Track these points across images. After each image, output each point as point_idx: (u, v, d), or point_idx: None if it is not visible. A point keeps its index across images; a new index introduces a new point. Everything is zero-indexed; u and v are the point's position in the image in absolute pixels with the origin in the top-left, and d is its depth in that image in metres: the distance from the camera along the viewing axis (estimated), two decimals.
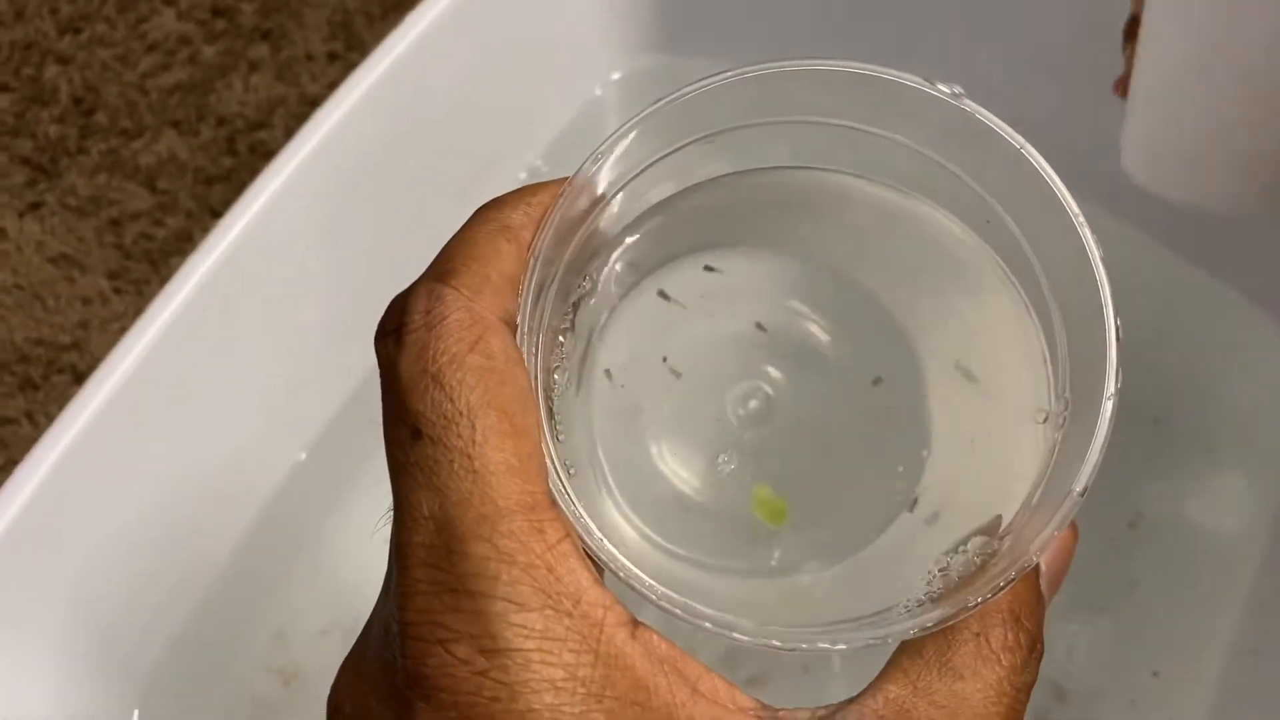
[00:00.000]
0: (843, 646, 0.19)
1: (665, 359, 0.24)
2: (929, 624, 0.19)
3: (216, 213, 0.54)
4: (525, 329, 0.21)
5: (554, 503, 0.19)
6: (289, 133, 0.52)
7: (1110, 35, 0.39)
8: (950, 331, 0.24)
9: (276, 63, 0.58)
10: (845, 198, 0.24)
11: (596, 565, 0.20)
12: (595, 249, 0.23)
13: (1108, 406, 0.20)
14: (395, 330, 0.20)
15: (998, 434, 0.23)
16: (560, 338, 0.23)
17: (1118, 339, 0.21)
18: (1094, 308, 0.21)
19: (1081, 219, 0.21)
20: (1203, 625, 0.40)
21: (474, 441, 0.18)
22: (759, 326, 0.25)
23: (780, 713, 0.19)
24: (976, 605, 0.20)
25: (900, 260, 0.24)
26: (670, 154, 0.23)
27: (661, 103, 0.22)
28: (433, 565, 0.18)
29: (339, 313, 0.41)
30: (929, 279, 0.24)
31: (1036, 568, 0.20)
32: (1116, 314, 0.21)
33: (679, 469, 0.24)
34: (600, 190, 0.22)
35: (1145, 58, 0.34)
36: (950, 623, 0.19)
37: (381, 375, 0.20)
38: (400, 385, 0.19)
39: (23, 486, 0.35)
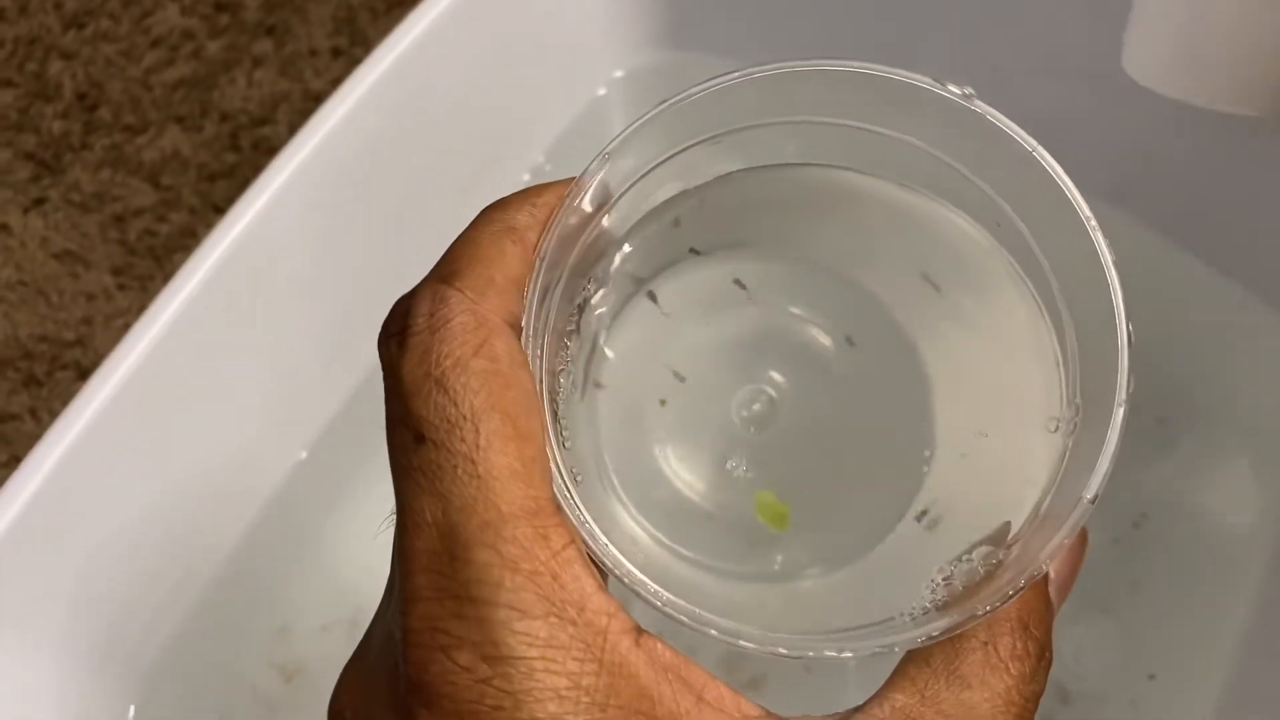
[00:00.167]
0: (849, 655, 0.19)
1: (669, 363, 0.24)
2: (936, 632, 0.19)
3: (220, 209, 0.54)
4: (530, 332, 0.21)
5: (558, 508, 0.19)
6: (292, 129, 0.52)
7: (1114, 30, 0.38)
8: (959, 335, 0.24)
9: (280, 58, 0.57)
10: (854, 196, 0.24)
11: (601, 571, 0.20)
12: (601, 250, 0.23)
13: (1119, 414, 0.20)
14: (399, 333, 0.19)
15: (1007, 439, 0.23)
16: (565, 340, 0.23)
17: (1130, 344, 0.20)
18: (1105, 312, 0.21)
19: (1094, 222, 0.21)
20: (1207, 626, 0.40)
21: (478, 446, 0.18)
22: (764, 330, 0.24)
23: None
24: (985, 614, 0.19)
25: (909, 261, 0.24)
26: (677, 154, 0.23)
27: (668, 103, 0.22)
28: (435, 571, 0.18)
29: (341, 310, 0.41)
30: (938, 280, 0.24)
31: (1045, 575, 0.20)
32: (1129, 319, 0.21)
33: (683, 472, 0.23)
34: (606, 191, 0.22)
35: None
36: (958, 631, 0.19)
37: (385, 378, 0.20)
38: (403, 389, 0.19)
39: (26, 484, 0.35)
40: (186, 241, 0.54)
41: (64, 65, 0.58)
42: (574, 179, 0.22)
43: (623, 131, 0.22)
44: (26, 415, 0.51)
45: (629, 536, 0.23)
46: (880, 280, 0.24)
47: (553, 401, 0.22)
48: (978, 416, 0.23)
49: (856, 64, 0.22)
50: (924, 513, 0.23)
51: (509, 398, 0.19)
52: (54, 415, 0.35)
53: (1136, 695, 0.39)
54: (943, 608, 0.20)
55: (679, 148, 0.23)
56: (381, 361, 0.20)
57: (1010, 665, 0.20)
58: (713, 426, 0.24)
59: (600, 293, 0.23)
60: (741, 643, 0.19)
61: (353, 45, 0.57)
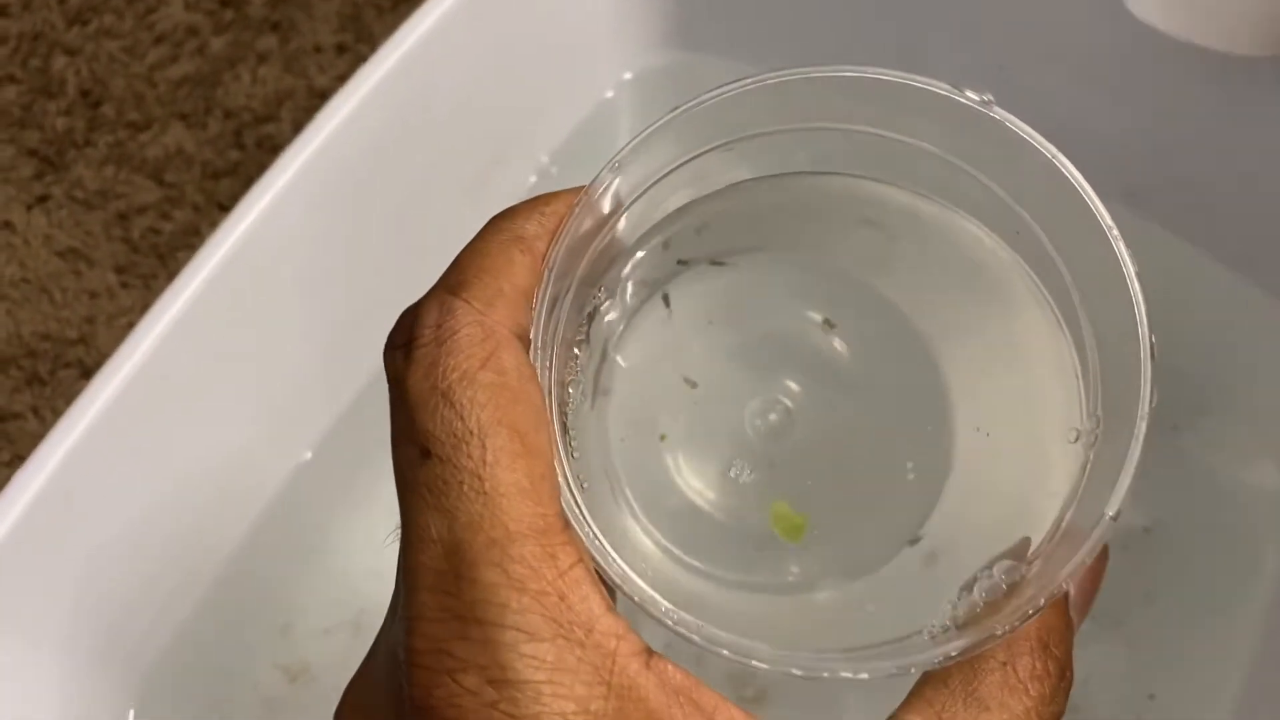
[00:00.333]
0: (865, 676, 0.19)
1: (681, 372, 0.23)
2: (953, 653, 0.19)
3: (224, 207, 0.54)
4: (539, 343, 0.20)
5: (567, 525, 0.19)
6: (297, 126, 0.51)
7: (1128, 31, 0.38)
8: (978, 344, 0.23)
9: (285, 54, 0.57)
10: (870, 203, 0.24)
11: (610, 589, 0.19)
12: (611, 259, 0.23)
13: (1141, 427, 0.20)
14: (405, 344, 0.19)
15: (1027, 452, 0.22)
16: (575, 350, 0.22)
17: (1153, 356, 0.20)
18: (1127, 323, 0.20)
19: (1116, 232, 0.20)
20: (1219, 638, 0.40)
21: (484, 462, 0.18)
22: (779, 338, 0.24)
23: None
24: (1004, 634, 0.19)
25: (927, 269, 0.24)
26: (689, 161, 0.23)
27: (679, 110, 0.21)
28: (441, 591, 0.18)
29: (346, 310, 0.41)
30: (956, 289, 0.24)
31: (1066, 593, 0.20)
32: (1151, 330, 0.20)
33: (696, 482, 0.23)
34: (617, 199, 0.22)
35: None
36: (976, 652, 0.19)
37: (390, 391, 0.19)
38: (409, 402, 0.18)
39: (28, 484, 0.34)
40: (190, 240, 0.54)
41: (67, 61, 0.58)
42: (583, 187, 0.22)
43: (633, 139, 0.22)
44: (29, 414, 0.51)
45: (639, 549, 0.23)
46: (898, 289, 0.24)
47: (562, 412, 0.22)
48: (997, 428, 0.23)
49: (871, 70, 0.21)
50: (942, 526, 0.22)
51: (517, 412, 0.19)
52: (57, 414, 0.35)
53: (1143, 710, 0.39)
54: (962, 626, 0.20)
55: (690, 155, 0.22)
56: (387, 374, 0.19)
57: (1030, 686, 0.19)
58: (726, 435, 0.23)
59: (611, 301, 0.23)
60: (754, 662, 0.19)
61: (358, 42, 0.57)
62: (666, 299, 0.24)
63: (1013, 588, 0.20)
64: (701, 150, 0.23)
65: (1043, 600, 0.19)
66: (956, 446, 0.23)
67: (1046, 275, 0.22)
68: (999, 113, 0.21)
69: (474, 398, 0.18)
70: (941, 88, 0.21)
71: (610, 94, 0.45)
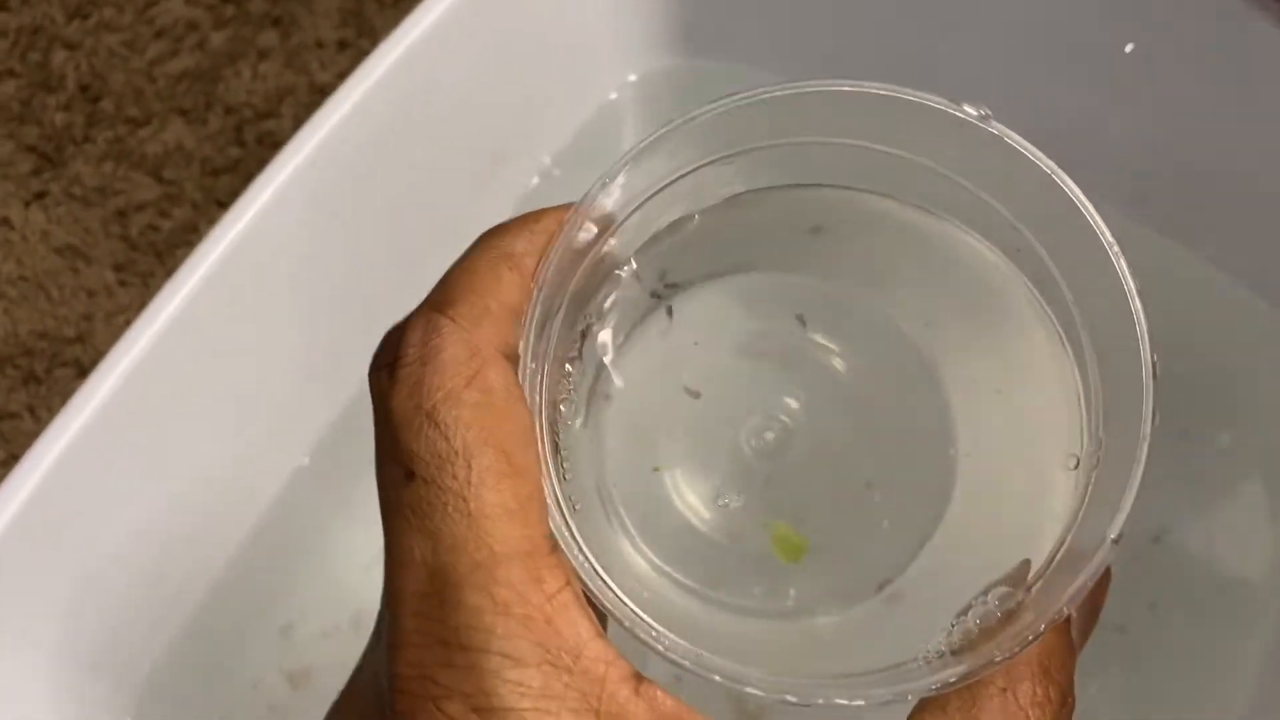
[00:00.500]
0: (860, 703, 0.19)
1: (678, 390, 0.23)
2: (952, 679, 0.19)
3: (223, 204, 0.54)
4: (528, 360, 0.20)
5: (555, 547, 0.18)
6: (298, 123, 0.51)
7: (1124, 37, 0.37)
8: (980, 363, 0.23)
9: (286, 50, 0.57)
10: (869, 219, 0.23)
11: (599, 614, 0.19)
12: (604, 275, 0.22)
13: (1144, 449, 0.19)
14: (389, 364, 0.19)
15: (1027, 473, 0.22)
16: (567, 367, 0.22)
17: (1155, 376, 0.20)
18: (1129, 341, 0.20)
19: (1116, 248, 0.20)
20: (1226, 649, 0.39)
21: (469, 483, 0.18)
22: (776, 356, 0.24)
23: None
24: (1003, 660, 0.19)
25: (927, 287, 0.23)
26: (684, 176, 0.22)
27: (674, 124, 0.21)
28: (424, 615, 0.17)
29: (344, 313, 0.41)
30: (958, 306, 0.23)
31: (1068, 619, 0.19)
32: (1154, 350, 0.20)
33: (693, 502, 0.23)
34: (609, 216, 0.22)
35: None
36: (975, 678, 0.19)
37: (375, 411, 0.19)
38: (393, 422, 0.18)
39: (22, 484, 0.34)
40: (189, 237, 0.53)
41: (67, 56, 0.57)
42: (573, 204, 0.21)
43: (626, 154, 0.21)
44: (25, 413, 0.50)
45: (633, 571, 0.22)
46: (898, 306, 0.23)
47: (553, 432, 0.21)
48: (998, 449, 0.23)
49: (869, 84, 0.21)
50: (942, 549, 0.22)
51: (503, 431, 0.18)
52: (53, 413, 0.35)
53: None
54: (959, 651, 0.20)
55: (685, 170, 0.22)
56: (371, 393, 0.19)
57: (1030, 713, 0.19)
58: (724, 455, 0.23)
59: (604, 318, 0.23)
60: (748, 689, 0.19)
61: (359, 37, 0.57)
62: (670, 310, 0.23)
63: (1009, 614, 0.20)
64: (696, 165, 0.22)
65: (1043, 625, 0.19)
66: (957, 468, 0.22)
67: (1048, 293, 0.22)
68: (997, 127, 0.21)
69: (459, 417, 0.18)
70: (939, 102, 0.21)
71: (614, 95, 0.45)
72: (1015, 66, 0.41)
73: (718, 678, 0.19)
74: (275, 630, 0.41)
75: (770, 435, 0.23)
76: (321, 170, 0.37)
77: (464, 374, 0.18)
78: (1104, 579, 0.20)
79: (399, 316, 0.20)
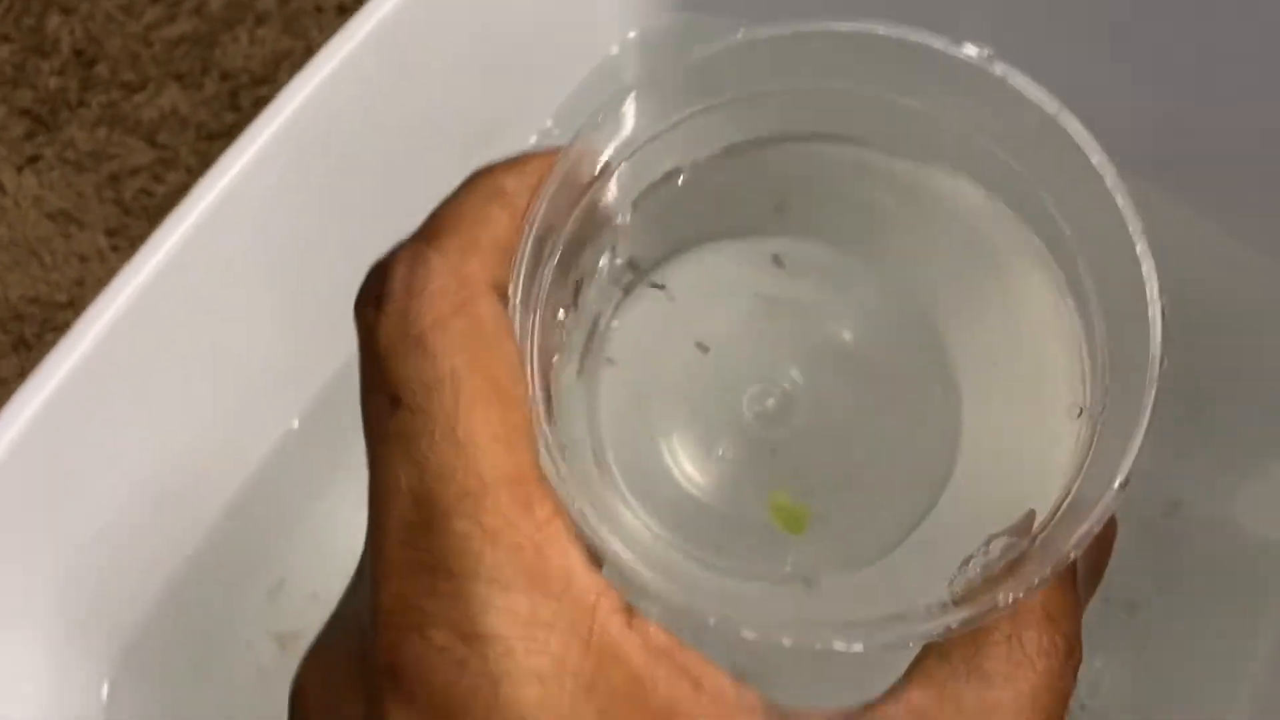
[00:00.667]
0: (859, 648, 0.18)
1: (674, 351, 0.23)
2: (955, 624, 0.18)
3: None
4: (518, 301, 0.19)
5: (544, 479, 0.18)
6: None
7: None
8: (983, 317, 0.23)
9: (284, 15, 0.56)
10: (866, 172, 0.23)
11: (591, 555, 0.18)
12: (599, 225, 0.22)
13: (1151, 392, 0.19)
14: (376, 296, 0.18)
15: (1032, 425, 0.22)
16: (562, 315, 0.22)
17: (1163, 318, 0.19)
18: (1135, 286, 0.19)
19: (1121, 187, 0.20)
20: (1238, 626, 0.38)
21: (457, 409, 0.17)
22: (778, 315, 0.23)
23: (792, 714, 0.18)
24: (1009, 604, 0.18)
25: (927, 240, 0.23)
26: (681, 122, 0.22)
27: (668, 66, 0.21)
28: (410, 544, 0.17)
29: (335, 275, 0.39)
30: (958, 260, 0.23)
31: (1073, 568, 0.19)
32: (1161, 293, 0.19)
33: (689, 468, 0.22)
34: (602, 158, 0.21)
35: None
36: (979, 623, 0.18)
37: (360, 344, 0.18)
38: (379, 350, 0.18)
39: None
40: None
41: (62, 20, 0.57)
42: (565, 145, 0.21)
43: (619, 93, 0.21)
44: (15, 379, 0.50)
45: (626, 530, 0.21)
46: (898, 261, 0.23)
47: (544, 380, 0.21)
48: (1003, 403, 0.22)
49: (866, 24, 0.20)
50: (947, 507, 0.21)
51: (492, 361, 0.18)
52: None
53: (1157, 700, 0.37)
54: (961, 601, 0.19)
55: (682, 115, 0.22)
56: (357, 327, 0.19)
57: (1037, 661, 0.18)
58: (722, 420, 0.22)
59: (599, 270, 0.22)
60: (743, 631, 0.18)
61: (358, 2, 0.55)
62: (658, 279, 0.23)
63: (1012, 564, 0.19)
64: (691, 111, 0.22)
65: (1048, 570, 0.18)
66: (963, 424, 0.22)
67: (1051, 241, 0.22)
68: (1001, 67, 0.20)
69: (447, 344, 0.18)
70: (940, 42, 0.20)
71: (615, 51, 0.44)
72: (1031, 30, 0.39)
73: (712, 620, 0.18)
74: (263, 592, 0.40)
75: (771, 401, 0.22)
76: (309, 128, 0.36)
77: (452, 303, 0.18)
78: (1109, 533, 0.20)
79: None
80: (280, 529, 0.41)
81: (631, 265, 0.23)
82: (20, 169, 0.54)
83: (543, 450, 0.18)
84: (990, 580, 0.19)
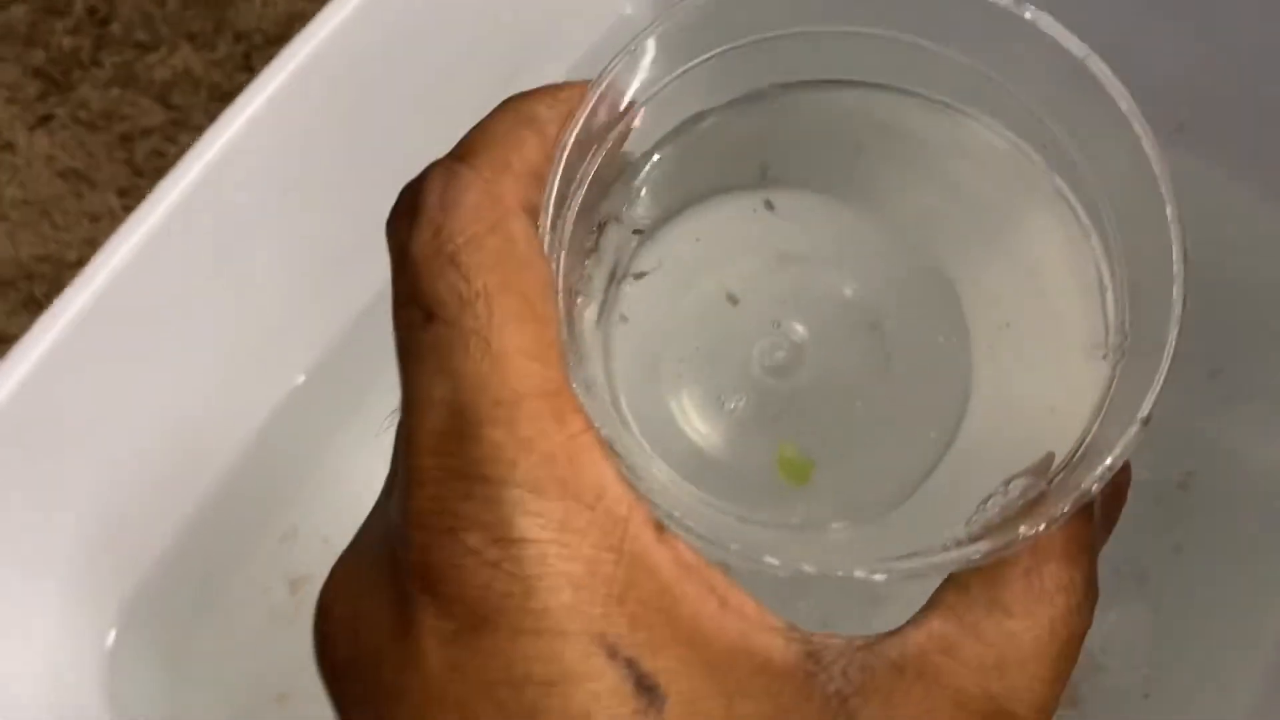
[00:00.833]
0: (880, 577, 0.18)
1: (693, 300, 0.23)
2: (976, 555, 0.18)
3: None
4: (548, 228, 0.19)
5: (576, 395, 0.18)
6: None
7: None
8: (1001, 262, 0.22)
9: None
10: (889, 116, 0.23)
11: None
12: (623, 166, 0.22)
13: (1173, 333, 0.19)
14: (408, 211, 0.18)
15: (1051, 370, 0.22)
16: (585, 259, 0.22)
17: (1186, 260, 0.19)
18: (1159, 227, 0.19)
19: (1148, 132, 0.19)
20: (1251, 596, 0.38)
21: (491, 324, 0.17)
22: (792, 266, 0.23)
23: (814, 636, 0.18)
24: (1030, 537, 0.18)
25: (949, 183, 0.23)
26: (705, 61, 0.22)
27: (688, 10, 0.20)
28: (443, 452, 0.17)
29: (344, 229, 0.39)
30: (980, 202, 0.23)
31: (1090, 506, 0.19)
32: (1184, 235, 0.19)
33: (698, 421, 0.22)
34: (627, 96, 0.21)
35: None
36: (1000, 555, 0.18)
37: (392, 261, 0.18)
38: (413, 266, 0.18)
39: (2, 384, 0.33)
40: None
41: None
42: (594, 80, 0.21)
43: (645, 29, 0.20)
44: None
45: (646, 469, 0.21)
46: (918, 204, 0.23)
47: (569, 317, 0.21)
48: (1020, 347, 0.22)
49: None
50: (964, 451, 0.21)
51: (525, 278, 0.18)
52: None
53: (1168, 668, 0.37)
54: (979, 538, 0.19)
55: (706, 55, 0.21)
56: (389, 243, 0.19)
57: (1056, 596, 0.18)
58: (732, 372, 0.22)
59: (621, 214, 0.22)
60: (766, 559, 0.18)
61: None
62: (678, 226, 0.23)
63: (1030, 504, 0.19)
64: (717, 50, 0.21)
65: (1069, 505, 0.18)
66: (977, 370, 0.22)
67: (1075, 184, 0.22)
68: (1031, 11, 0.20)
69: (480, 262, 0.18)
70: None
71: (629, 10, 0.43)
72: None
73: (734, 546, 0.18)
74: (275, 539, 0.40)
75: (781, 354, 0.22)
76: (320, 78, 0.36)
77: (486, 220, 0.18)
78: (1123, 479, 0.20)
79: None
80: (290, 480, 0.41)
81: (654, 204, 0.23)
82: (33, 129, 0.54)
83: (572, 379, 0.18)
84: (1010, 519, 0.19)
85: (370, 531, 0.19)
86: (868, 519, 0.22)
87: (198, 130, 0.53)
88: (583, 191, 0.21)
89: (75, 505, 0.36)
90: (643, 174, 0.22)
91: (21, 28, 0.56)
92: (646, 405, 0.22)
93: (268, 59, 0.54)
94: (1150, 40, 0.38)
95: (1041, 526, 0.18)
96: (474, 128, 0.20)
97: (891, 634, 0.18)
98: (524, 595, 0.16)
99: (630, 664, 0.16)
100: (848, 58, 0.22)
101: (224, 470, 0.40)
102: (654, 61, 0.21)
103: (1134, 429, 0.18)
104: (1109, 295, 0.21)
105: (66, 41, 0.55)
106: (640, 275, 0.22)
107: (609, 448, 0.18)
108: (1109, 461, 0.18)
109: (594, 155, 0.21)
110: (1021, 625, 0.18)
